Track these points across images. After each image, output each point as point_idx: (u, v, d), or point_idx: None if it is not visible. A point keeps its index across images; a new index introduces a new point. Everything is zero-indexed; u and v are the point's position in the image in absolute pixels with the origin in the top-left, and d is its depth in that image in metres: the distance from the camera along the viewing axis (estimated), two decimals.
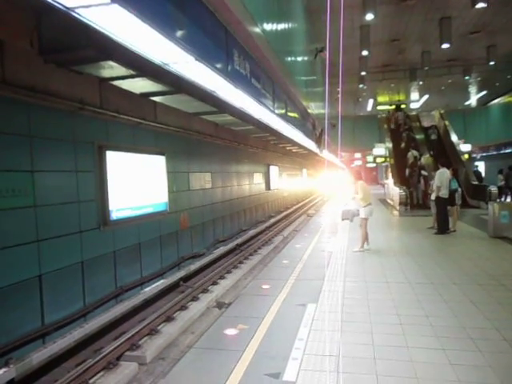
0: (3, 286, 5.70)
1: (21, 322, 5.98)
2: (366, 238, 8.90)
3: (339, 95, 29.67)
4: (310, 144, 17.10)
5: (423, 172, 17.61)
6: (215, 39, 5.27)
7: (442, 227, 10.68)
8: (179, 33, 4.08)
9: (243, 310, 5.35)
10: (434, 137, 21.62)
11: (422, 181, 17.16)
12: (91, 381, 5.51)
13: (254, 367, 3.68)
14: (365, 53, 19.18)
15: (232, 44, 5.86)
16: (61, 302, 6.72)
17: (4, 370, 5.11)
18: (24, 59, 5.89)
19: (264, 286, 6.40)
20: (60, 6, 2.86)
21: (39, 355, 5.66)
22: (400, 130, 25.19)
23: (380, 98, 36.49)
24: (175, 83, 6.36)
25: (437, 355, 3.87)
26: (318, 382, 3.39)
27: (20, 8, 4.63)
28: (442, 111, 25.03)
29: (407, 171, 18.42)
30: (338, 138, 34.84)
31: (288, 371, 3.58)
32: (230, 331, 4.59)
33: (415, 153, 19.40)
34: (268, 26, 7.18)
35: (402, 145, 22.36)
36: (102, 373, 5.77)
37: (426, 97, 34.33)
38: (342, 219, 9.40)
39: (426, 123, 26.78)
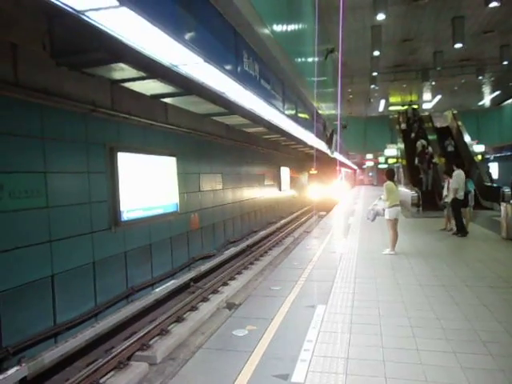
0: (16, 286, 5.78)
1: (33, 321, 6.06)
2: (395, 240, 8.70)
3: (350, 96, 29.91)
4: (320, 145, 17.04)
5: (434, 160, 18.99)
6: (224, 41, 5.29)
7: (463, 228, 10.58)
8: (188, 35, 4.11)
9: (252, 311, 5.35)
10: (450, 148, 20.79)
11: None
12: (102, 380, 5.57)
13: (263, 368, 3.68)
14: (376, 53, 19.06)
15: (241, 45, 5.87)
16: (72, 302, 6.79)
17: (17, 368, 5.19)
18: (37, 62, 5.98)
19: (274, 287, 6.39)
20: (70, 10, 2.90)
21: (51, 354, 5.73)
22: (410, 121, 27.32)
23: (392, 99, 36.23)
24: (185, 85, 6.40)
25: (447, 358, 3.83)
26: (327, 383, 3.38)
27: (32, 12, 4.70)
28: (455, 112, 24.75)
29: (416, 159, 19.60)
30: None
31: (296, 373, 3.57)
32: (239, 332, 4.59)
33: (424, 142, 20.42)
34: (277, 27, 7.18)
35: (412, 135, 23.48)
36: (112, 372, 5.83)
37: (438, 97, 34.00)
38: (367, 218, 9.34)
39: (438, 124, 26.55)
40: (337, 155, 24.22)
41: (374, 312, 5.12)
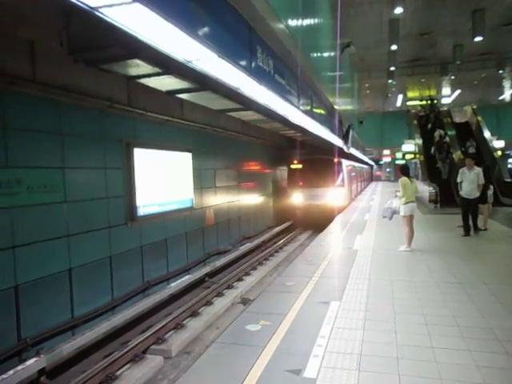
0: (35, 279, 5.91)
1: (51, 314, 6.19)
2: (411, 237, 8.59)
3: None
4: (336, 140, 16.98)
5: (452, 150, 19.66)
6: (238, 36, 5.28)
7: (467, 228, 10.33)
8: (201, 30, 4.11)
9: (266, 307, 5.37)
10: (472, 150, 20.04)
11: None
12: (118, 373, 5.65)
13: (275, 363, 3.69)
14: (394, 47, 18.83)
15: (255, 40, 5.86)
16: (89, 296, 6.91)
17: (35, 359, 5.30)
18: (54, 59, 6.07)
19: (288, 283, 6.39)
20: (85, 6, 2.94)
21: (68, 346, 5.84)
22: (426, 112, 27.73)
23: (410, 94, 35.74)
24: (200, 80, 6.42)
25: (463, 356, 3.78)
26: (339, 380, 3.37)
27: (49, 9, 4.76)
28: (475, 106, 24.30)
29: (433, 149, 20.06)
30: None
31: (309, 368, 3.57)
32: (253, 327, 4.61)
33: (441, 132, 20.75)
34: (292, 22, 7.13)
35: (429, 126, 24.00)
36: (128, 365, 5.91)
37: (457, 92, 33.40)
38: (383, 216, 9.25)
39: (457, 119, 26.13)
40: (353, 150, 23.73)
41: (388, 309, 5.08)
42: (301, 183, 17.38)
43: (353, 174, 23.11)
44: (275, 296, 5.87)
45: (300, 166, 17.60)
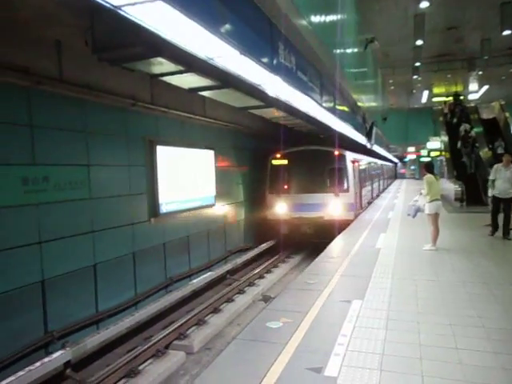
0: (61, 274, 6.05)
1: (77, 308, 6.33)
2: (436, 235, 8.42)
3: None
4: (359, 138, 16.71)
5: (478, 145, 19.37)
6: (260, 32, 5.26)
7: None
8: (223, 27, 4.11)
9: (287, 304, 5.35)
10: (500, 150, 19.20)
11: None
12: (141, 367, 5.74)
13: (296, 361, 3.68)
14: (419, 42, 18.47)
15: (277, 37, 5.82)
16: (113, 291, 7.03)
17: (61, 352, 5.43)
18: (79, 58, 6.19)
19: (309, 281, 6.36)
20: (108, 5, 2.97)
21: (93, 340, 5.95)
22: (451, 107, 27.06)
23: (436, 90, 34.99)
24: (222, 78, 6.43)
25: (488, 358, 3.68)
26: (360, 379, 3.34)
27: (75, 9, 4.84)
28: (503, 102, 23.61)
29: (459, 143, 19.57)
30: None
31: (330, 366, 3.55)
32: (274, 324, 4.60)
33: (467, 126, 20.46)
34: (314, 18, 7.07)
35: (455, 120, 23.66)
36: (150, 360, 5.99)
37: (485, 87, 32.52)
38: (407, 214, 9.12)
39: (485, 115, 25.45)
40: (376, 148, 23.34)
41: (411, 309, 4.99)
42: (286, 187, 12.66)
43: (365, 172, 17.42)
44: (297, 294, 5.85)
45: (285, 162, 12.63)
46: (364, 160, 17.64)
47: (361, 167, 15.68)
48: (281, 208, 12.65)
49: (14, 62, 5.30)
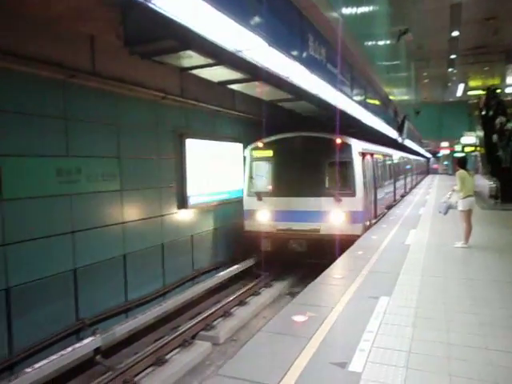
0: (92, 263, 6.21)
1: (107, 296, 6.49)
2: (468, 233, 8.19)
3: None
4: (390, 132, 16.39)
5: None
6: (289, 24, 5.22)
7: None
8: (252, 19, 4.10)
9: (314, 299, 5.33)
10: None
11: None
12: (167, 356, 5.85)
13: (320, 355, 3.66)
14: (455, 34, 17.93)
15: (307, 29, 5.77)
16: (142, 281, 7.17)
17: (91, 338, 5.59)
18: (112, 52, 6.30)
19: (336, 276, 6.31)
20: None
21: (122, 328, 6.10)
22: (486, 101, 26.10)
23: (472, 83, 33.92)
24: (251, 70, 6.42)
25: None
26: (386, 376, 3.29)
27: (108, 4, 4.94)
28: None
29: (495, 137, 19.17)
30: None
31: (354, 362, 3.51)
32: (299, 318, 4.59)
33: (503, 119, 20.08)
34: (345, 9, 6.96)
35: (491, 112, 22.96)
36: (177, 349, 6.10)
37: None
38: (439, 212, 8.91)
39: None
40: (408, 142, 22.81)
41: (440, 307, 4.88)
42: (270, 187, 9.82)
43: (385, 167, 14.02)
44: (323, 288, 5.81)
45: (269, 153, 9.82)
46: (382, 152, 13.67)
47: (376, 162, 12.11)
48: (262, 216, 9.58)
49: (49, 57, 5.45)
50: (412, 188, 24.61)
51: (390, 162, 15.38)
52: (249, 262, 9.90)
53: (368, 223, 10.08)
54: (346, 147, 9.27)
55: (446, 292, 5.42)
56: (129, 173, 6.89)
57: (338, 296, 5.29)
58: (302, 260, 9.63)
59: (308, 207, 9.31)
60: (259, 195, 9.65)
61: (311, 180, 9.50)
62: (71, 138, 5.87)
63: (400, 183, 18.64)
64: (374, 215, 11.15)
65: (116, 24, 5.40)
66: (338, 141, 9.15)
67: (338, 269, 6.77)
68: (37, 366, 4.82)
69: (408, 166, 23.71)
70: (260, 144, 9.86)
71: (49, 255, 5.55)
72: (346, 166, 9.26)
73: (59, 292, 5.71)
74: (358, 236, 8.99)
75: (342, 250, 7.93)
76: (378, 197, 11.65)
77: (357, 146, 9.63)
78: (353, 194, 9.17)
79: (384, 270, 6.58)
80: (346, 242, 8.44)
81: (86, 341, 5.53)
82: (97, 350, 5.70)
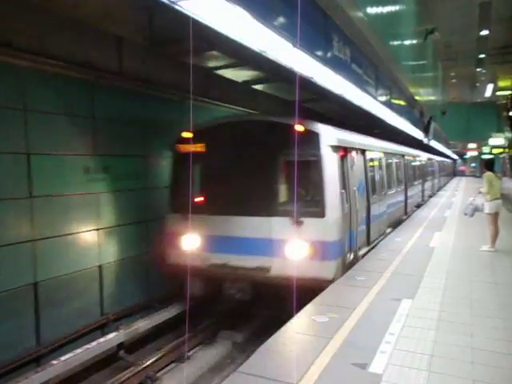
0: (117, 260, 6.34)
1: (130, 293, 6.61)
2: (495, 236, 8.02)
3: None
4: (416, 132, 16.12)
5: None
6: (314, 25, 5.22)
7: None
8: (277, 20, 4.13)
9: (335, 299, 5.30)
10: None
11: None
12: (190, 353, 5.91)
13: (341, 355, 3.66)
14: (484, 32, 17.51)
15: (331, 29, 5.75)
16: (164, 278, 7.27)
17: (116, 333, 5.72)
18: (138, 53, 6.42)
19: (358, 278, 6.26)
20: (165, 0, 3.08)
21: (145, 325, 6.20)
22: None
23: (501, 83, 33.02)
24: (274, 71, 6.44)
25: None
26: (407, 379, 3.26)
27: (135, 5, 5.04)
28: None
29: None
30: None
31: (375, 363, 3.49)
32: (320, 318, 4.59)
33: None
34: (371, 9, 6.90)
35: None
36: (199, 347, 6.16)
37: None
38: (464, 214, 8.75)
39: None
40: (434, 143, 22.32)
41: (465, 311, 4.80)
42: (200, 200, 6.77)
43: (391, 169, 10.89)
44: (344, 289, 5.78)
45: (201, 148, 6.53)
46: (383, 149, 10.19)
47: (373, 163, 8.94)
48: (189, 243, 6.47)
49: (77, 57, 5.59)
50: (433, 194, 23.00)
51: (399, 163, 12.20)
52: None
53: (351, 256, 6.80)
54: (311, 138, 5.93)
55: (470, 296, 5.32)
56: (153, 171, 6.97)
57: (360, 297, 5.26)
58: (247, 311, 6.97)
59: (253, 232, 6.14)
60: (184, 212, 5.94)
61: (258, 190, 6.25)
62: (98, 137, 6.02)
63: (415, 190, 15.48)
64: (367, 241, 8.03)
65: (143, 26, 5.51)
66: (299, 128, 5.68)
67: (359, 270, 6.71)
68: (62, 358, 4.96)
69: (431, 168, 21.47)
70: (188, 134, 6.51)
71: (76, 252, 5.69)
72: (311, 167, 6.04)
73: (86, 287, 5.85)
74: (330, 281, 5.85)
75: (305, 301, 5.02)
76: (375, 212, 8.47)
77: (328, 136, 6.20)
78: (320, 214, 5.90)
79: (407, 273, 6.50)
80: (308, 289, 5.26)
81: (110, 335, 5.66)
82: (120, 346, 5.82)
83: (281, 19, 4.23)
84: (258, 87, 7.98)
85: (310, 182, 6.16)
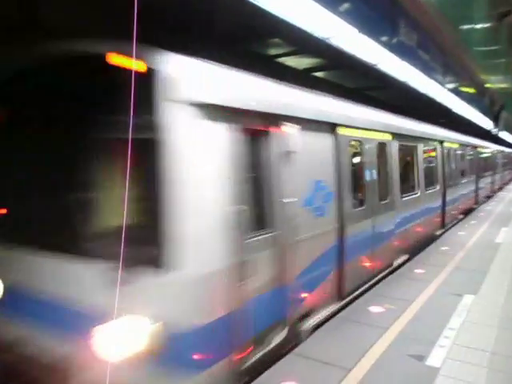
0: None
1: None
2: None
3: None
4: (484, 122, 15.23)
5: None
6: (380, 10, 5.08)
7: None
8: (342, 5, 4.07)
9: (392, 291, 5.23)
10: None
11: None
12: None
13: (397, 346, 3.64)
14: None
15: (398, 14, 5.57)
16: None
17: None
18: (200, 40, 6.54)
19: (418, 271, 6.12)
20: None
21: None
22: None
23: None
24: (337, 58, 6.34)
25: None
26: (466, 374, 3.19)
27: None
28: None
29: None
30: None
31: (433, 357, 3.44)
32: (376, 309, 4.56)
33: None
34: None
35: None
36: None
37: None
38: None
39: None
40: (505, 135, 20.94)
41: None
42: None
43: (403, 163, 7.00)
44: (402, 282, 5.67)
45: None
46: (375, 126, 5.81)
47: (369, 150, 5.56)
48: None
49: None
50: (505, 184, 21.43)
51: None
52: None
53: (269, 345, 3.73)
54: (143, 85, 2.61)
55: None
56: None
57: (419, 290, 5.17)
58: None
59: (45, 286, 3.21)
60: None
61: (47, 199, 3.38)
62: None
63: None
64: (338, 292, 4.63)
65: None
66: (115, 60, 2.63)
67: (419, 263, 6.55)
68: None
69: (496, 160, 19.33)
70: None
71: None
72: (145, 155, 2.75)
73: None
74: None
75: None
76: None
77: (194, 80, 2.97)
78: (157, 260, 2.71)
79: (470, 268, 6.27)
80: None
81: None
82: None
83: (345, 5, 4.17)
84: (319, 74, 7.86)
85: (143, 186, 2.92)
